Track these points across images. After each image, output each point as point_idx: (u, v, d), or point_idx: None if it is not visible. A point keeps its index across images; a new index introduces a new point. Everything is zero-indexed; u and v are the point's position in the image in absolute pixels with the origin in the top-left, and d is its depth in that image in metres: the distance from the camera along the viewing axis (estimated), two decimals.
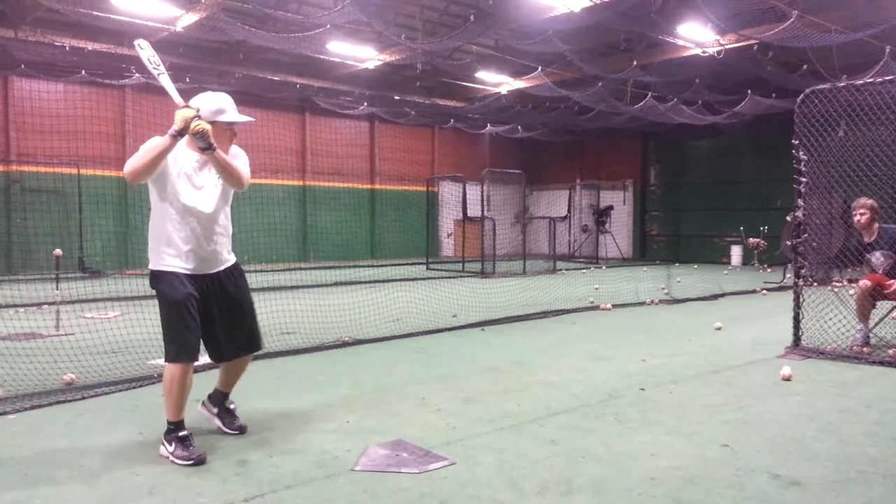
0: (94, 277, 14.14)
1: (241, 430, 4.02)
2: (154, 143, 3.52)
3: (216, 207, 3.75)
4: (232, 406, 4.11)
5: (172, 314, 3.62)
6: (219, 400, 4.09)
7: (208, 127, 3.51)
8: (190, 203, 3.66)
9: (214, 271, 3.79)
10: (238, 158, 3.82)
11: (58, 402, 4.64)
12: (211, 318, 3.77)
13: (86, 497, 3.12)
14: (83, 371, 5.42)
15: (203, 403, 4.11)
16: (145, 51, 3.75)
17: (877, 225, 6.56)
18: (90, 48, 14.30)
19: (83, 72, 15.42)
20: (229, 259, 3.90)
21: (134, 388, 5.08)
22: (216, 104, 3.72)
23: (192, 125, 3.46)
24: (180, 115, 3.47)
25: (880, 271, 6.45)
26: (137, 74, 15.36)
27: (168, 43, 14.85)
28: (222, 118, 3.72)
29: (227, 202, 3.86)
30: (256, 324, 4.03)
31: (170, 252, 3.68)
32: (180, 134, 3.49)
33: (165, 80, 3.73)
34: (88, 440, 3.89)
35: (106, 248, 16.14)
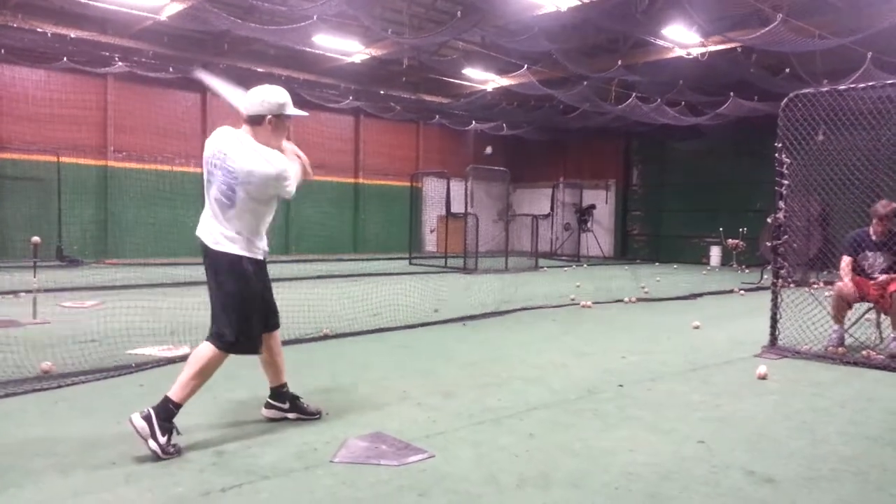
0: (72, 266, 13.97)
1: (318, 414, 4.13)
2: (292, 166, 3.76)
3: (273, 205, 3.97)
4: (297, 394, 4.17)
5: (243, 303, 3.69)
6: (282, 394, 4.11)
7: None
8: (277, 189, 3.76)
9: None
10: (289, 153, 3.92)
11: (34, 391, 4.59)
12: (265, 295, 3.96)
13: (61, 486, 3.09)
14: (60, 360, 5.36)
15: (267, 406, 4.12)
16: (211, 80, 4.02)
17: (889, 229, 6.50)
18: (73, 35, 14.12)
19: (65, 59, 15.21)
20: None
21: (112, 377, 5.03)
22: (283, 97, 3.74)
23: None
24: (306, 162, 3.92)
25: (871, 271, 6.49)
26: (120, 63, 15.20)
27: (152, 32, 14.71)
28: (288, 111, 3.75)
29: None
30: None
31: (254, 242, 3.74)
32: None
33: (229, 93, 3.91)
34: (65, 429, 3.86)
35: (85, 237, 15.96)
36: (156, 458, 3.37)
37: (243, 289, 3.67)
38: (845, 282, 6.47)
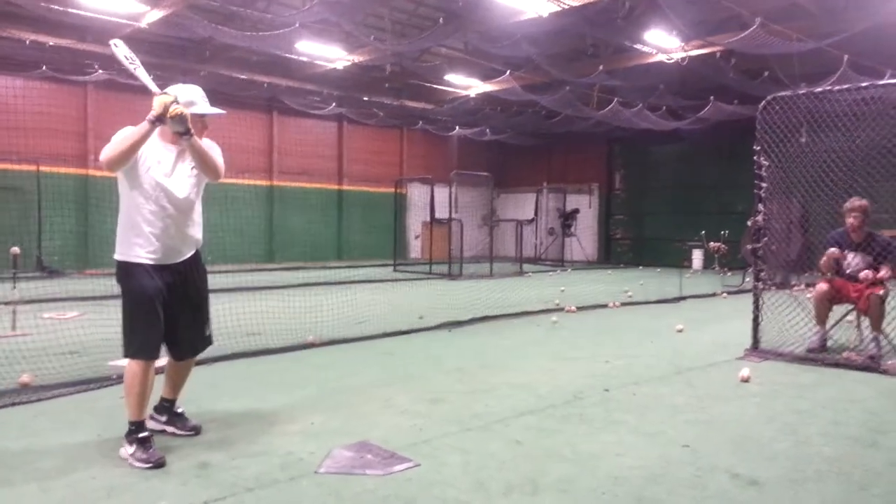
0: (52, 277, 13.81)
1: (196, 431, 3.95)
2: (130, 131, 3.50)
3: (189, 194, 3.72)
4: (180, 410, 4.04)
5: (138, 309, 3.58)
6: (166, 408, 4.00)
7: (187, 111, 3.51)
8: (163, 189, 3.62)
9: (182, 260, 3.76)
10: (212, 150, 3.80)
11: (13, 404, 4.52)
12: (173, 311, 3.72)
13: (42, 500, 3.04)
14: (40, 372, 5.28)
15: (151, 417, 3.94)
16: (120, 49, 3.70)
17: (866, 229, 6.56)
18: (51, 43, 13.98)
19: (44, 67, 15.06)
20: (199, 243, 3.88)
21: (93, 389, 4.97)
22: (187, 96, 3.70)
23: (171, 109, 3.46)
24: (159, 101, 3.47)
25: (849, 270, 6.57)
26: (100, 71, 15.07)
27: (133, 40, 14.49)
28: (193, 110, 3.68)
29: (199, 191, 3.84)
30: (209, 321, 4.00)
31: (139, 242, 3.62)
32: (159, 119, 3.48)
33: (142, 73, 3.71)
34: (45, 442, 3.80)
35: (65, 248, 15.77)
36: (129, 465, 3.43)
37: (127, 294, 3.65)
38: (829, 254, 6.50)
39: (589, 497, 3.13)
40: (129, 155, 3.50)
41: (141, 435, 3.50)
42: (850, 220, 6.53)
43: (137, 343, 3.58)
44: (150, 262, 3.62)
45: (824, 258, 6.61)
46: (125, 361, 3.64)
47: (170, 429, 3.96)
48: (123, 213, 3.68)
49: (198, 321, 3.89)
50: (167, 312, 3.68)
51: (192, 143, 3.58)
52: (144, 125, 3.48)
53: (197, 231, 3.85)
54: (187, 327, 3.84)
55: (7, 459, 3.53)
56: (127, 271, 3.64)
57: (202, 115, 3.76)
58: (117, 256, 3.67)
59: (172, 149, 3.69)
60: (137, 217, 3.62)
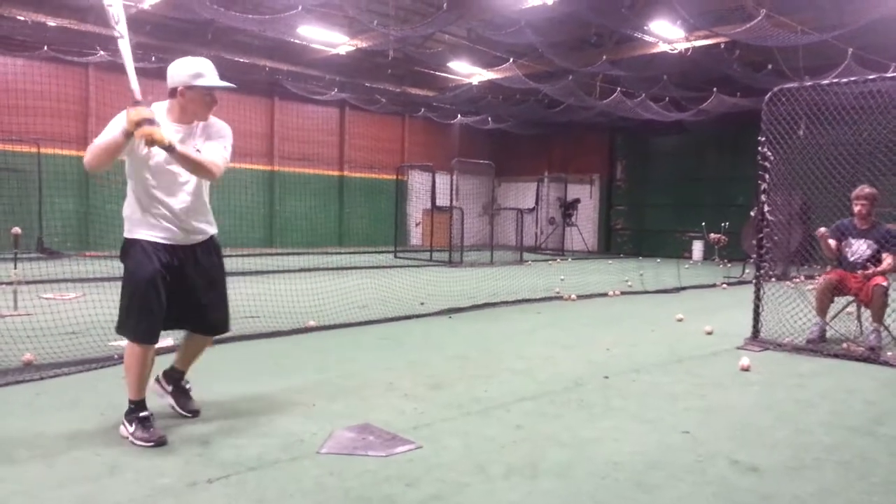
0: (53, 258, 13.80)
1: (195, 414, 3.93)
2: (106, 138, 3.38)
3: (192, 177, 3.62)
4: (188, 386, 4.03)
5: (135, 291, 3.51)
6: (175, 378, 3.99)
7: (157, 132, 3.23)
8: (165, 170, 3.55)
9: (192, 243, 3.70)
10: (217, 138, 3.67)
11: (16, 382, 4.54)
12: (186, 291, 3.68)
13: (45, 476, 3.06)
14: (42, 351, 5.29)
15: (157, 379, 3.95)
16: (114, 7, 3.43)
17: (873, 217, 6.57)
18: (52, 24, 13.91)
19: (45, 47, 14.99)
20: (208, 231, 3.79)
21: (95, 368, 4.99)
22: (194, 68, 3.57)
23: (138, 131, 3.21)
24: (131, 117, 3.22)
25: (853, 258, 6.58)
26: (102, 52, 14.99)
27: (135, 21, 14.49)
28: (200, 82, 3.55)
29: None
30: (227, 305, 3.93)
31: (145, 221, 3.58)
32: (131, 134, 3.28)
33: (126, 51, 3.43)
34: (48, 420, 3.81)
35: (66, 229, 15.76)
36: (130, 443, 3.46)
37: (125, 272, 3.60)
38: (820, 236, 6.53)
39: (588, 481, 3.15)
40: (106, 161, 3.40)
41: (141, 414, 3.51)
42: (857, 208, 6.55)
43: (131, 325, 3.53)
44: (152, 241, 3.56)
45: (822, 244, 6.63)
46: (126, 342, 3.63)
47: (169, 401, 3.95)
48: (129, 192, 3.63)
49: (209, 302, 3.79)
50: (178, 290, 3.63)
51: (177, 157, 3.38)
52: (118, 135, 3.31)
53: (203, 213, 3.75)
54: (199, 305, 3.76)
55: (11, 436, 3.55)
56: (127, 249, 3.60)
57: (209, 89, 3.61)
58: (124, 234, 3.64)
59: (180, 128, 3.58)
60: (142, 196, 3.58)
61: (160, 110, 3.57)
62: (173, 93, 3.58)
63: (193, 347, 3.99)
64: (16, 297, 7.39)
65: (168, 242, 3.61)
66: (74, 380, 4.72)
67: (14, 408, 4.03)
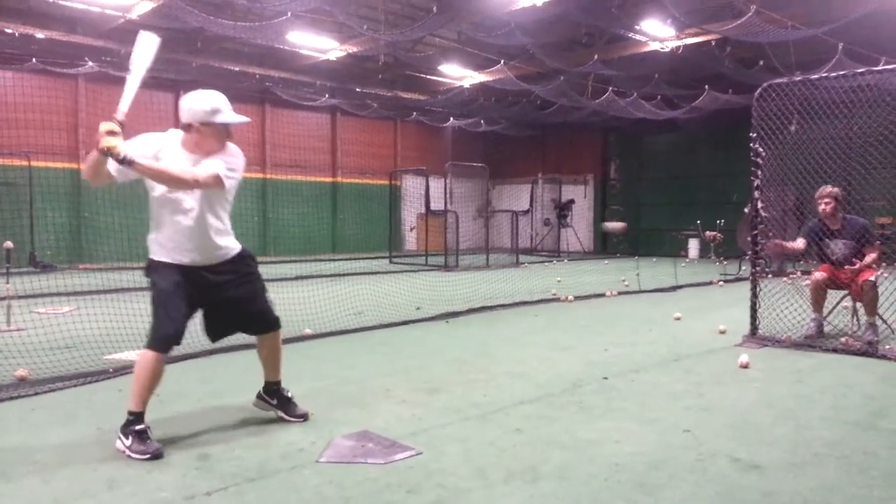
0: (46, 272, 13.72)
1: (305, 417, 4.04)
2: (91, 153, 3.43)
3: (201, 204, 3.63)
4: (289, 394, 4.11)
5: (156, 301, 3.61)
6: (273, 391, 4.09)
7: (111, 141, 3.25)
8: (174, 198, 3.59)
9: (214, 262, 3.76)
10: (219, 157, 3.65)
11: (10, 398, 4.49)
12: (220, 303, 3.80)
13: (42, 492, 3.02)
14: (36, 366, 5.25)
15: (259, 396, 4.11)
16: (146, 42, 3.71)
17: (841, 214, 6.60)
18: (41, 35, 13.85)
19: (33, 59, 14.92)
20: (229, 249, 3.84)
21: (90, 382, 4.94)
22: (210, 103, 3.58)
23: (102, 142, 3.24)
24: (99, 129, 3.27)
25: (835, 258, 6.59)
26: (91, 63, 14.94)
27: (123, 31, 14.44)
28: (219, 118, 3.59)
29: (217, 199, 3.73)
30: (265, 300, 4.01)
31: (162, 244, 3.66)
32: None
33: (133, 82, 3.57)
34: (43, 435, 3.78)
35: (58, 242, 15.67)
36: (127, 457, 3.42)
37: (151, 287, 3.69)
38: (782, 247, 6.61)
39: (589, 483, 3.13)
40: (90, 175, 3.47)
41: (138, 427, 3.49)
42: (822, 207, 6.57)
43: (154, 334, 3.61)
44: (174, 264, 3.64)
45: (773, 256, 6.67)
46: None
47: (280, 413, 4.04)
48: (152, 213, 3.71)
49: (251, 301, 3.91)
50: (213, 305, 3.78)
51: (138, 170, 3.38)
52: (93, 153, 3.36)
53: (220, 235, 3.76)
54: (242, 311, 3.90)
55: (6, 452, 3.51)
56: (152, 267, 3.70)
57: (227, 125, 3.66)
58: (149, 255, 3.73)
59: (191, 158, 3.60)
60: (159, 221, 3.66)
61: (175, 138, 3.61)
62: (187, 128, 3.59)
63: (263, 353, 4.09)
64: (9, 313, 7.33)
65: (188, 265, 3.67)
66: (69, 394, 4.68)
67: (9, 423, 3.99)
